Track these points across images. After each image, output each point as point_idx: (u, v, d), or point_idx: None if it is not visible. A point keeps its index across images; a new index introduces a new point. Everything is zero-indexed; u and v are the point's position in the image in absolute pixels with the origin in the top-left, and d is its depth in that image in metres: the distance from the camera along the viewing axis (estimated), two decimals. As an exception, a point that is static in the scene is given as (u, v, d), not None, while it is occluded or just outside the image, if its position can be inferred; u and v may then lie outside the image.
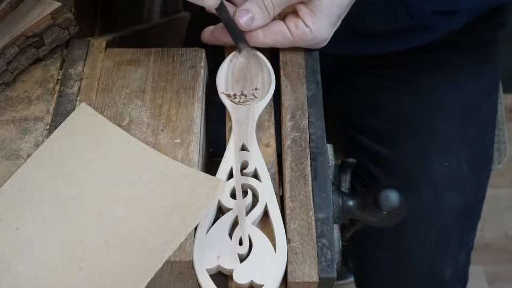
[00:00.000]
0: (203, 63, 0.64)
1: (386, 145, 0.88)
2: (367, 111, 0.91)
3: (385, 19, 0.81)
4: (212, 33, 0.67)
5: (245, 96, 0.63)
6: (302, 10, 0.62)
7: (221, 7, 0.62)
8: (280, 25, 0.64)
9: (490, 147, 0.92)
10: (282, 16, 0.65)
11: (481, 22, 0.86)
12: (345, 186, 0.77)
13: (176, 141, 0.58)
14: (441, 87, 0.87)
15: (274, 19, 0.65)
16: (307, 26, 0.63)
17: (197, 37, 0.70)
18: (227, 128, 0.62)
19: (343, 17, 0.65)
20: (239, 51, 0.65)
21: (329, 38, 0.65)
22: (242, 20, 0.63)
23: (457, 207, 0.86)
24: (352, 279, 1.07)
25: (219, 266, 0.53)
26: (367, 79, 0.91)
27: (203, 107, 0.62)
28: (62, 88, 0.63)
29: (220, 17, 0.63)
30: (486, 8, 0.85)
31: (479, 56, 0.89)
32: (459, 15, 0.83)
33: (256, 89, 0.63)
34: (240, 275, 0.52)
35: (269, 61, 0.66)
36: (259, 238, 0.54)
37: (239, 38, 0.65)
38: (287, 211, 0.55)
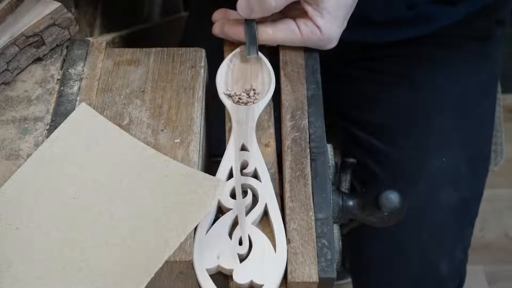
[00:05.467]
0: (203, 63, 0.64)
1: (384, 140, 0.88)
2: (365, 105, 0.91)
3: (382, 8, 0.82)
4: (222, 28, 0.67)
5: (245, 96, 0.63)
6: (311, 11, 0.63)
7: None
8: (289, 23, 0.64)
9: (488, 143, 0.92)
10: (293, 17, 0.65)
11: (480, 17, 0.86)
12: (345, 186, 0.77)
13: (176, 141, 0.58)
14: (439, 82, 0.87)
15: (284, 18, 0.65)
16: (317, 26, 0.63)
17: (195, 34, 0.70)
18: (227, 128, 0.62)
19: (348, 17, 0.65)
20: (247, 54, 0.65)
21: (337, 40, 0.65)
22: (241, 9, 0.63)
23: (454, 203, 0.86)
24: (350, 279, 1.07)
25: (219, 266, 0.53)
26: (365, 73, 0.91)
27: (203, 107, 0.62)
28: (62, 88, 0.63)
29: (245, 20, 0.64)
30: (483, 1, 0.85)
31: (478, 52, 0.89)
32: (458, 7, 0.83)
33: (255, 91, 0.63)
34: (240, 275, 0.52)
35: (269, 61, 0.66)
36: (259, 238, 0.54)
37: (252, 42, 0.65)
38: (287, 211, 0.55)
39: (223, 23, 0.67)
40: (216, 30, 0.68)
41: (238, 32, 0.66)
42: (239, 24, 0.66)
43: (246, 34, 0.65)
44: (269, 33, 0.65)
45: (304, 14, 0.64)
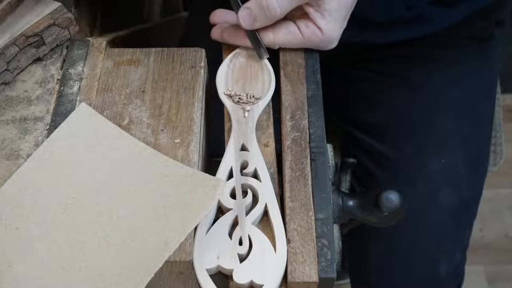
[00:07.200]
0: (203, 63, 0.64)
1: (383, 141, 0.88)
2: (364, 106, 0.91)
3: (382, 9, 0.82)
4: (222, 33, 0.67)
5: (245, 96, 0.63)
6: (312, 13, 0.63)
7: None
8: (290, 25, 0.64)
9: (487, 144, 0.92)
10: (292, 18, 0.65)
11: (479, 18, 0.86)
12: (345, 186, 0.77)
13: (176, 141, 0.58)
14: (438, 83, 0.87)
15: (284, 21, 0.65)
16: (318, 27, 0.63)
17: (195, 35, 0.70)
18: (226, 129, 0.62)
19: (348, 17, 0.65)
20: (260, 58, 0.65)
21: (337, 40, 0.65)
22: (244, 20, 0.63)
23: (453, 204, 0.86)
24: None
25: (219, 266, 0.53)
26: (364, 74, 0.91)
27: (203, 107, 0.62)
28: (62, 88, 0.63)
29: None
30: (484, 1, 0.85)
31: (477, 53, 0.89)
32: (458, 8, 0.83)
33: (254, 96, 0.63)
34: (240, 275, 0.52)
35: (269, 61, 0.66)
36: (259, 238, 0.54)
37: (259, 46, 0.65)
38: (287, 211, 0.55)
39: (222, 30, 0.67)
40: (215, 35, 0.68)
41: (237, 39, 0.66)
42: (238, 30, 0.65)
43: (250, 40, 0.65)
44: (270, 38, 0.65)
45: (305, 15, 0.64)
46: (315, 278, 0.52)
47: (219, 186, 0.53)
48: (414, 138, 0.87)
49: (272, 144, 0.61)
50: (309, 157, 0.59)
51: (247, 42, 0.65)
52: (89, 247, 0.52)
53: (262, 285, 0.52)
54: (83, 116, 0.59)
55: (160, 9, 1.08)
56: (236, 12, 0.63)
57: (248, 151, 0.59)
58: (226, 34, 0.67)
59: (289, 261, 0.53)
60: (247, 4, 0.62)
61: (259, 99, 0.63)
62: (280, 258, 0.53)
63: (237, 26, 0.66)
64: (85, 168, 0.56)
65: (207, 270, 0.52)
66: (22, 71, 0.64)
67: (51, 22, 0.64)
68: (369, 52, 0.90)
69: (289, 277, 0.52)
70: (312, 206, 0.56)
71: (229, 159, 0.58)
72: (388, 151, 0.87)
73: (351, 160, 0.79)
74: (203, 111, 0.62)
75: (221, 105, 0.63)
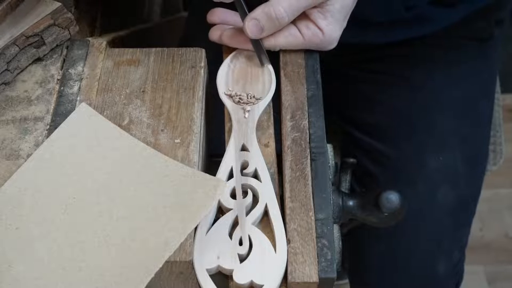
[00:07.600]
0: (203, 63, 0.64)
1: (382, 140, 0.88)
2: (364, 106, 0.91)
3: (382, 9, 0.82)
4: (220, 36, 0.67)
5: (246, 96, 0.63)
6: (314, 14, 0.63)
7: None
8: (291, 28, 0.64)
9: (485, 143, 0.92)
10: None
11: (479, 18, 0.86)
12: (345, 186, 0.77)
13: (176, 141, 0.58)
14: (438, 83, 0.87)
15: None
16: (319, 28, 0.63)
17: (195, 34, 0.70)
18: (226, 129, 0.62)
19: (348, 17, 0.65)
20: (261, 65, 0.65)
21: (337, 41, 0.65)
22: (251, 31, 0.62)
23: (451, 203, 0.86)
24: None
25: (219, 266, 0.53)
26: (364, 74, 0.91)
27: (203, 107, 0.62)
28: (62, 88, 0.63)
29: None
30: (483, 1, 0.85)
31: (477, 52, 0.89)
32: (458, 8, 0.83)
33: (255, 97, 0.63)
34: (240, 275, 0.52)
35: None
36: (259, 238, 0.54)
37: (261, 52, 0.65)
38: (287, 211, 0.55)
39: (221, 32, 0.67)
40: (214, 37, 0.67)
41: (237, 43, 0.66)
42: (237, 34, 0.65)
43: (253, 47, 0.64)
44: (271, 41, 0.64)
45: (305, 16, 0.64)
46: (315, 278, 0.52)
47: (219, 186, 0.53)
48: (414, 138, 0.87)
49: (272, 144, 0.61)
50: (309, 157, 0.59)
51: (246, 46, 0.65)
52: (89, 247, 0.52)
53: (262, 285, 0.52)
54: (83, 116, 0.59)
55: (160, 9, 1.08)
56: (243, 20, 0.63)
57: (249, 151, 0.59)
58: (225, 37, 0.66)
59: (289, 261, 0.53)
60: (254, 15, 0.62)
61: (259, 99, 0.63)
62: (280, 258, 0.53)
63: (236, 29, 0.66)
64: (85, 168, 0.56)
65: (207, 270, 0.52)
66: (22, 71, 0.64)
67: (51, 22, 0.64)
68: (369, 52, 0.90)
69: (289, 277, 0.52)
70: (312, 206, 0.56)
71: (230, 159, 0.58)
72: (388, 151, 0.87)
73: (351, 160, 0.79)
74: (203, 111, 0.62)
75: (221, 105, 0.63)
